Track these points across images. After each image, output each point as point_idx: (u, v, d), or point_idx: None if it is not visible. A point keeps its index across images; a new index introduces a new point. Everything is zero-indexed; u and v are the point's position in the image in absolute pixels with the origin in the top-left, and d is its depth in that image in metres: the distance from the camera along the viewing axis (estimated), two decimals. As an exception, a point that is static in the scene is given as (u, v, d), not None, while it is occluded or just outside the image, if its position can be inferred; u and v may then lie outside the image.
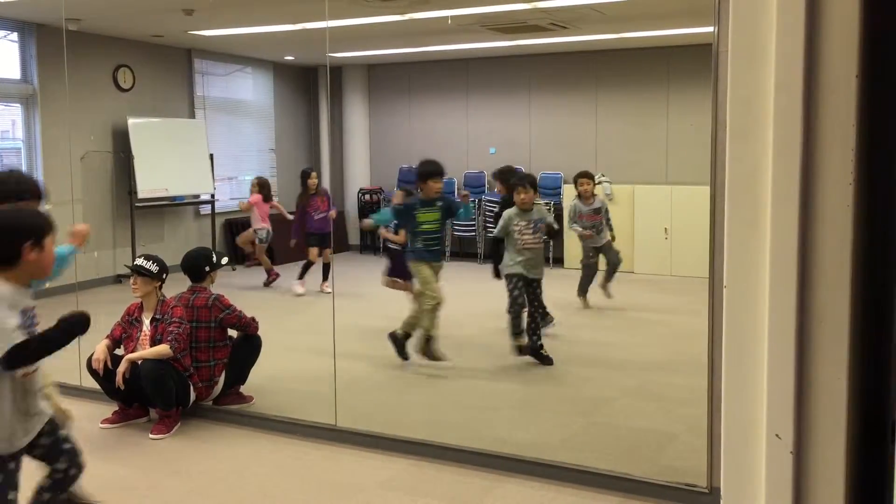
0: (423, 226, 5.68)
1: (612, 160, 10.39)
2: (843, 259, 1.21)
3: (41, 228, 2.77)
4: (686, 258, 8.86)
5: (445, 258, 10.56)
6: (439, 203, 5.72)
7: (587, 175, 7.64)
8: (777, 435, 1.25)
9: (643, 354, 6.19)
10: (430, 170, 5.76)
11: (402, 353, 5.77)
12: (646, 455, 4.21)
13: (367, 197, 11.66)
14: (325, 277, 8.54)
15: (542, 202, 7.27)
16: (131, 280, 4.78)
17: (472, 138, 11.39)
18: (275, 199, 9.62)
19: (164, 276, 4.78)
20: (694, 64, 9.08)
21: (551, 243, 8.77)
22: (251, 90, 11.70)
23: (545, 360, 5.79)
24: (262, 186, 9.30)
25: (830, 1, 1.18)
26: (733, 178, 1.27)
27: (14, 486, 2.80)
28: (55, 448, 2.96)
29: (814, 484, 1.25)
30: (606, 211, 7.66)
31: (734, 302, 1.29)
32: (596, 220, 7.51)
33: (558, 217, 10.20)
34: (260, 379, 5.15)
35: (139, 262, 4.76)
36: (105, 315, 6.97)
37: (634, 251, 9.77)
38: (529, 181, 5.90)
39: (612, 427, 4.71)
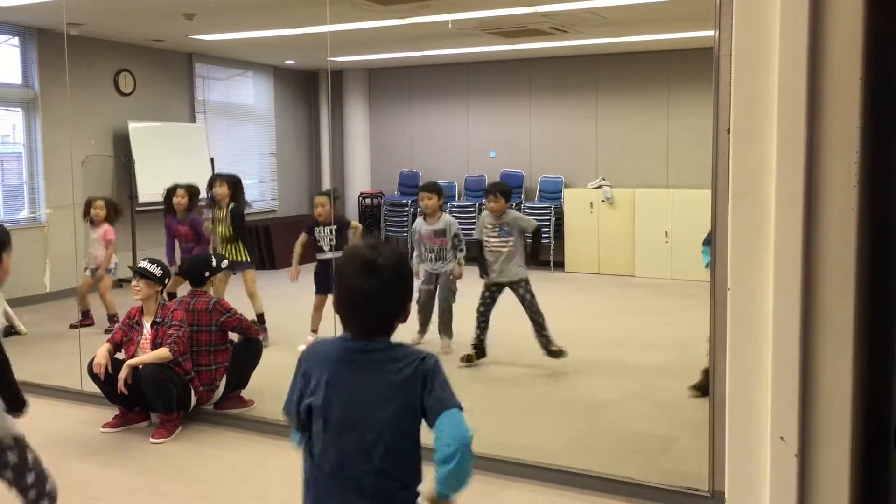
0: None
1: (612, 164, 10.39)
2: (848, 262, 1.21)
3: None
4: (686, 262, 8.84)
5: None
6: None
7: (428, 188, 6.24)
8: (781, 438, 1.24)
9: (644, 358, 6.18)
10: None
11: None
12: (647, 459, 4.20)
13: (368, 201, 11.65)
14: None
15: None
16: (133, 282, 4.79)
17: (473, 142, 11.39)
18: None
19: (167, 280, 4.86)
20: (694, 68, 9.11)
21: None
22: (252, 94, 11.70)
23: (557, 355, 5.73)
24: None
25: (834, 4, 1.18)
26: (737, 180, 1.27)
27: None
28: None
29: (818, 486, 1.24)
30: (456, 236, 6.11)
31: (738, 304, 1.29)
32: (435, 244, 6.13)
33: (559, 221, 10.27)
34: (261, 383, 5.14)
35: (143, 265, 4.77)
36: (106, 318, 7.03)
37: (635, 255, 9.80)
38: (499, 190, 5.93)
39: (613, 431, 4.70)
